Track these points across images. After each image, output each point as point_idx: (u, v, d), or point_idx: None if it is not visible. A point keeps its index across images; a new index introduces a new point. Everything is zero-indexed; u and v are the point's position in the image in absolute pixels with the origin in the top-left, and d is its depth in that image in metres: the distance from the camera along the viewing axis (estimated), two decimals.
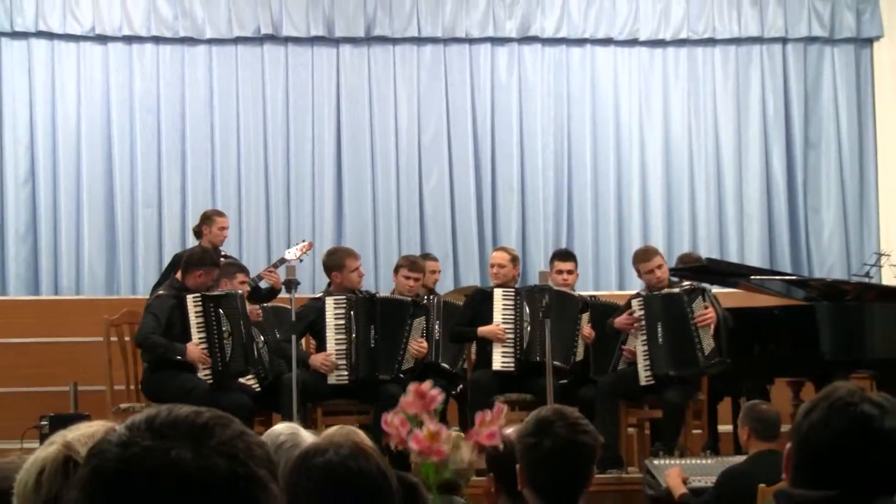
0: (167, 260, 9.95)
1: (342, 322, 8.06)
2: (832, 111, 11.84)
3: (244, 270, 8.61)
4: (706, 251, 11.09)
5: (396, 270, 8.57)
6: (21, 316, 10.11)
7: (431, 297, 8.76)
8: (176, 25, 11.08)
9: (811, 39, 11.85)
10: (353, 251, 8.55)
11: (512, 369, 8.13)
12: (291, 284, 7.84)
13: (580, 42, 11.63)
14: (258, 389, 8.17)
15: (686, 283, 8.29)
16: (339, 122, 11.33)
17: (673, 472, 6.67)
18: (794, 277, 9.65)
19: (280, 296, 8.86)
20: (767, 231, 11.72)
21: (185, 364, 7.86)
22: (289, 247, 9.60)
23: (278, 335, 8.35)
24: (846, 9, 11.82)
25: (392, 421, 2.49)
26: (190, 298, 7.91)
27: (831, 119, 11.84)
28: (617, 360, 8.26)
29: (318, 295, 8.43)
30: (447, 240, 11.34)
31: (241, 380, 8.14)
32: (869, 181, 11.85)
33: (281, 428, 3.32)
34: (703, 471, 6.76)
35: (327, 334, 8.05)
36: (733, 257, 11.24)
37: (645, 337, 8.01)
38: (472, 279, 11.05)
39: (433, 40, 11.46)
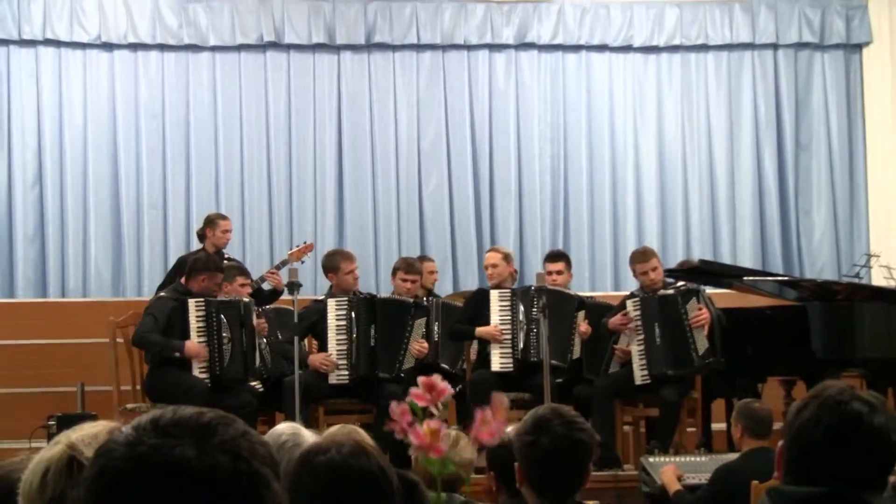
0: (172, 262, 9.98)
1: (343, 323, 8.09)
2: (822, 115, 11.88)
3: (245, 273, 8.62)
4: (699, 252, 11.15)
5: (394, 273, 8.62)
6: (29, 318, 10.16)
7: (430, 298, 8.79)
8: (180, 33, 11.13)
9: (802, 45, 11.89)
10: (349, 254, 8.59)
11: (511, 370, 8.18)
12: (293, 286, 7.91)
13: (576, 48, 11.68)
14: (261, 390, 8.18)
15: (681, 283, 8.33)
16: (340, 127, 11.38)
17: (668, 469, 6.69)
18: (785, 278, 9.67)
19: (282, 297, 8.89)
20: (759, 233, 11.76)
21: (184, 364, 7.86)
22: (290, 249, 9.61)
23: (280, 336, 8.38)
24: (836, 16, 11.85)
25: (396, 410, 2.52)
26: (192, 302, 7.91)
27: (822, 123, 11.88)
28: (609, 359, 8.30)
29: (320, 297, 8.48)
30: (446, 242, 11.38)
31: None
32: (859, 184, 11.87)
33: (283, 427, 3.31)
34: (698, 468, 6.79)
35: (328, 335, 8.08)
36: (726, 258, 11.28)
37: (641, 337, 8.05)
38: (470, 280, 11.12)
39: (432, 47, 11.50)
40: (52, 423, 8.02)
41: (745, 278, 8.85)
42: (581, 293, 8.95)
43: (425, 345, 8.20)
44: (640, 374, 8.04)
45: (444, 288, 10.47)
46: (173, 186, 11.13)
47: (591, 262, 11.57)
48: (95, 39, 11.04)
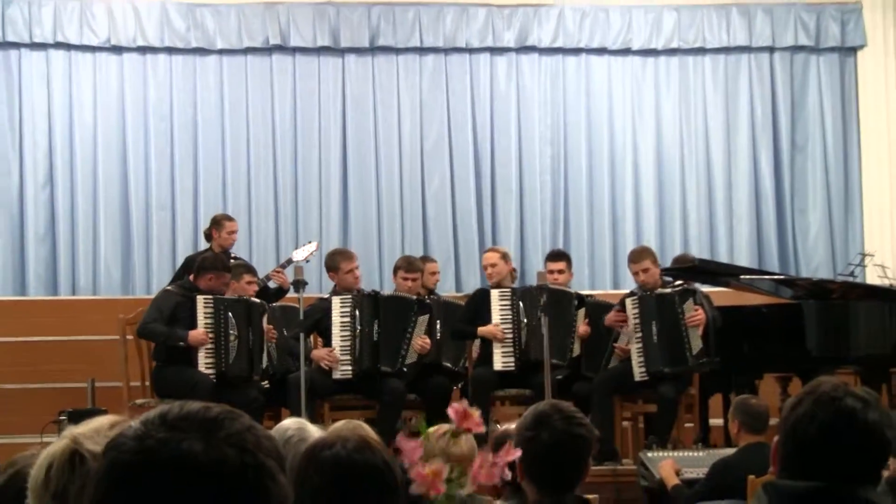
0: (180, 260, 10.06)
1: (347, 319, 8.15)
2: (818, 117, 11.93)
3: (252, 271, 8.69)
4: (697, 252, 11.14)
5: (395, 272, 8.67)
6: (40, 315, 10.24)
7: (431, 297, 8.81)
8: (188, 37, 11.22)
9: (797, 48, 11.94)
10: (349, 253, 8.65)
11: (512, 369, 8.23)
12: (299, 284, 8.01)
13: (575, 51, 11.73)
14: (267, 386, 8.24)
15: (678, 283, 8.37)
16: (344, 129, 11.46)
17: (666, 463, 6.72)
18: (781, 277, 9.71)
19: (288, 295, 8.98)
20: (756, 232, 11.80)
21: (190, 361, 7.93)
22: (296, 248, 9.66)
23: (286, 333, 8.45)
24: (831, 19, 11.91)
25: (407, 446, 2.54)
26: (201, 299, 7.98)
27: (817, 125, 11.92)
28: (609, 356, 8.37)
29: (325, 295, 8.54)
30: (448, 241, 11.45)
31: None
32: (853, 184, 11.93)
33: (289, 423, 3.31)
34: (696, 463, 6.80)
35: (333, 331, 8.14)
36: (723, 257, 11.33)
37: (640, 335, 8.10)
38: (472, 279, 11.20)
39: (435, 50, 11.57)
40: (63, 418, 7.99)
41: (742, 277, 8.92)
42: (582, 292, 8.99)
43: (428, 341, 8.24)
44: (638, 372, 8.09)
45: (446, 286, 10.55)
46: (181, 186, 11.22)
47: (591, 260, 11.64)
48: (105, 42, 11.13)
